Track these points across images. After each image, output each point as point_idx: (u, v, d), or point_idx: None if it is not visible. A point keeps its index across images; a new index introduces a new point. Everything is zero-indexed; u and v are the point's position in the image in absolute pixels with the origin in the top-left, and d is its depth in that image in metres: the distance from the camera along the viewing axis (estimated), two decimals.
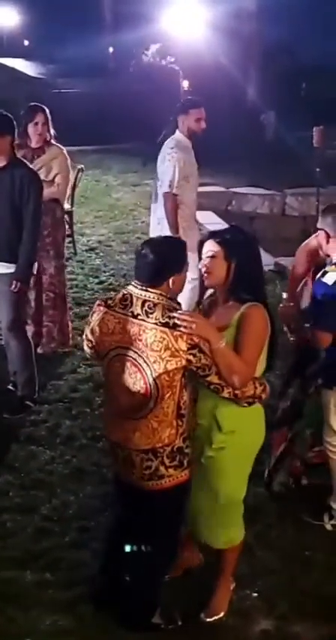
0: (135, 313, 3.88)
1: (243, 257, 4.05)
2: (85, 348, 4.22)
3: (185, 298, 4.94)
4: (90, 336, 4.10)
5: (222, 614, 4.38)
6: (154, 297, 3.87)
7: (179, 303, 4.00)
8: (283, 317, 5.25)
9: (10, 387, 6.79)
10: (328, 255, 4.98)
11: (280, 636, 4.31)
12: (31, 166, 6.55)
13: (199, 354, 3.81)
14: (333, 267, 4.83)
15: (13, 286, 6.23)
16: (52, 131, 7.42)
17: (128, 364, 3.90)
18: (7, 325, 6.45)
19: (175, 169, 7.36)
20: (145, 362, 3.84)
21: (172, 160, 7.39)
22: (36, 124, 7.29)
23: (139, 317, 3.87)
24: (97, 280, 9.65)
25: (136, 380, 3.88)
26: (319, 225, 5.02)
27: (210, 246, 4.08)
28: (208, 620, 4.35)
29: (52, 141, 7.44)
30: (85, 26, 24.75)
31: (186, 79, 16.10)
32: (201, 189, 13.78)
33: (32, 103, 7.50)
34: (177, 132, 7.55)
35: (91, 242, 11.14)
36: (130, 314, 3.90)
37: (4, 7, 27.24)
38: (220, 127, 17.66)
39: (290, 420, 5.39)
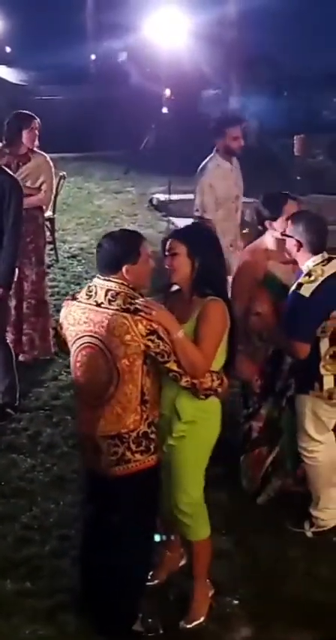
0: (99, 302, 4.05)
1: (206, 254, 4.24)
2: (58, 346, 4.37)
3: None
4: (60, 331, 4.29)
5: (202, 620, 4.40)
6: (116, 287, 4.05)
7: (142, 296, 4.11)
8: (256, 327, 5.25)
9: None
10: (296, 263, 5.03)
11: None
12: (11, 173, 6.55)
13: (157, 340, 3.96)
14: (306, 277, 4.87)
15: None
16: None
17: (93, 352, 4.05)
18: None
19: (200, 194, 7.07)
20: (106, 348, 3.98)
21: (198, 184, 7.12)
22: (32, 130, 7.29)
23: (103, 305, 4.03)
24: (78, 287, 9.61)
25: (99, 366, 4.02)
26: (289, 232, 5.00)
27: (173, 244, 4.26)
28: (188, 626, 4.36)
29: (35, 149, 7.44)
30: (68, 33, 24.76)
31: (168, 86, 16.14)
32: (183, 196, 13.92)
33: (24, 111, 7.49)
34: (214, 152, 7.21)
35: (73, 249, 11.12)
36: (93, 303, 4.06)
37: None
38: (201, 134, 17.75)
39: (268, 438, 5.41)
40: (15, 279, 6.53)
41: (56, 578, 4.69)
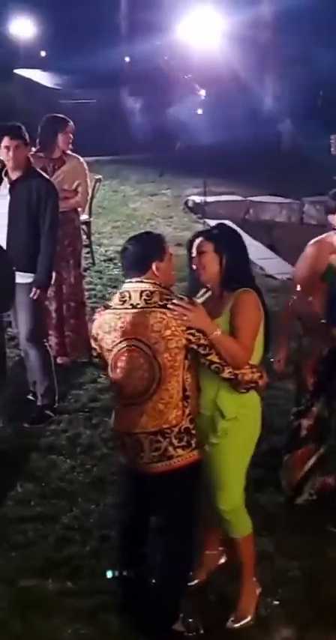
0: (135, 304, 4.06)
1: (232, 249, 4.31)
2: (93, 351, 4.46)
3: None
4: (94, 344, 4.32)
5: (249, 619, 4.40)
6: (149, 287, 4.08)
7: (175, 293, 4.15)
8: (295, 311, 5.32)
9: (29, 397, 6.82)
10: None
11: None
12: (47, 176, 6.61)
13: (198, 334, 4.00)
14: None
15: (32, 293, 6.28)
16: None
17: (133, 354, 4.05)
18: (25, 335, 6.49)
19: None
20: (146, 345, 4.00)
21: None
22: (67, 133, 7.35)
23: (139, 306, 4.05)
24: (115, 290, 9.55)
25: (140, 365, 4.03)
26: None
27: (200, 243, 4.32)
28: (236, 625, 4.36)
29: (69, 152, 7.49)
30: (102, 37, 24.79)
31: (202, 88, 16.14)
32: (218, 198, 13.93)
33: (58, 115, 7.55)
34: None
35: (109, 252, 11.15)
36: (130, 307, 4.07)
37: (21, 18, 27.33)
38: (237, 136, 17.72)
39: (316, 437, 5.39)
40: (54, 282, 6.62)
41: (97, 578, 4.71)
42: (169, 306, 3.98)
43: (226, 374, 4.09)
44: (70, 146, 7.47)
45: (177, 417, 4.07)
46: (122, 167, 16.72)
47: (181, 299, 4.05)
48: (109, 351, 4.14)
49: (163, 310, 3.98)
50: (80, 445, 6.21)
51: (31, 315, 6.39)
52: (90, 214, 10.61)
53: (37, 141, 7.32)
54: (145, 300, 4.04)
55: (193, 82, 17.83)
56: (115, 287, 9.71)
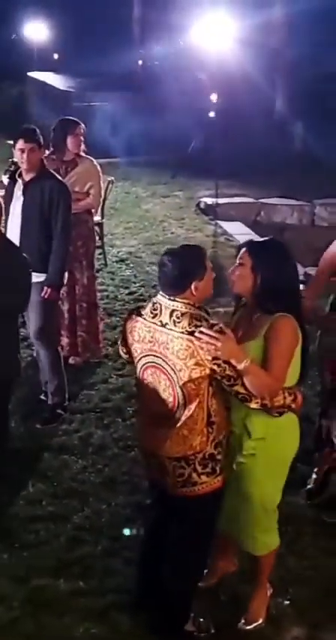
0: (163, 322, 3.95)
1: (272, 270, 4.08)
2: (121, 352, 4.34)
3: None
4: (123, 348, 4.26)
5: (261, 621, 4.40)
6: (181, 307, 3.93)
7: (208, 312, 4.03)
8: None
9: (42, 397, 6.85)
10: None
11: None
12: (60, 178, 6.64)
13: (223, 365, 3.85)
14: None
15: (44, 292, 6.31)
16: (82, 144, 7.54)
17: (158, 372, 3.98)
18: (34, 334, 6.53)
19: None
20: (172, 369, 3.91)
21: None
22: (76, 135, 7.39)
23: (167, 326, 3.93)
24: (127, 291, 9.69)
25: (165, 387, 3.96)
26: None
27: (242, 255, 4.15)
28: (247, 627, 4.36)
29: (82, 153, 7.53)
30: (115, 39, 24.86)
31: (214, 91, 16.13)
32: (230, 200, 13.94)
33: (69, 117, 7.60)
34: None
35: (122, 253, 11.19)
36: (158, 323, 3.97)
37: (34, 21, 27.43)
38: (248, 138, 17.72)
39: None
40: (66, 283, 6.66)
41: (108, 577, 4.74)
42: (196, 334, 3.82)
43: (253, 404, 3.94)
44: (84, 148, 7.50)
45: (201, 443, 3.96)
46: (134, 169, 16.74)
47: (212, 325, 3.87)
48: (138, 360, 4.11)
49: (191, 338, 3.84)
50: (92, 445, 6.23)
51: (40, 314, 6.42)
52: (102, 216, 10.64)
53: (50, 144, 7.36)
54: (174, 321, 3.90)
55: (205, 84, 17.83)
56: (127, 288, 9.76)
